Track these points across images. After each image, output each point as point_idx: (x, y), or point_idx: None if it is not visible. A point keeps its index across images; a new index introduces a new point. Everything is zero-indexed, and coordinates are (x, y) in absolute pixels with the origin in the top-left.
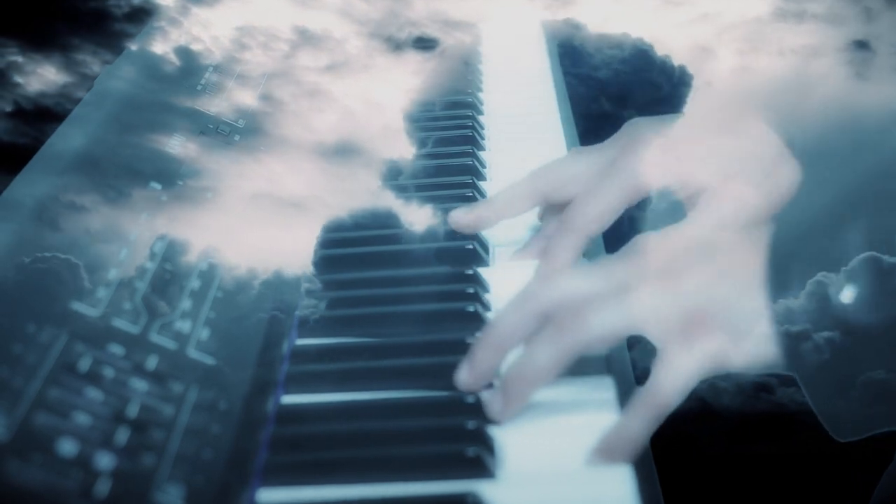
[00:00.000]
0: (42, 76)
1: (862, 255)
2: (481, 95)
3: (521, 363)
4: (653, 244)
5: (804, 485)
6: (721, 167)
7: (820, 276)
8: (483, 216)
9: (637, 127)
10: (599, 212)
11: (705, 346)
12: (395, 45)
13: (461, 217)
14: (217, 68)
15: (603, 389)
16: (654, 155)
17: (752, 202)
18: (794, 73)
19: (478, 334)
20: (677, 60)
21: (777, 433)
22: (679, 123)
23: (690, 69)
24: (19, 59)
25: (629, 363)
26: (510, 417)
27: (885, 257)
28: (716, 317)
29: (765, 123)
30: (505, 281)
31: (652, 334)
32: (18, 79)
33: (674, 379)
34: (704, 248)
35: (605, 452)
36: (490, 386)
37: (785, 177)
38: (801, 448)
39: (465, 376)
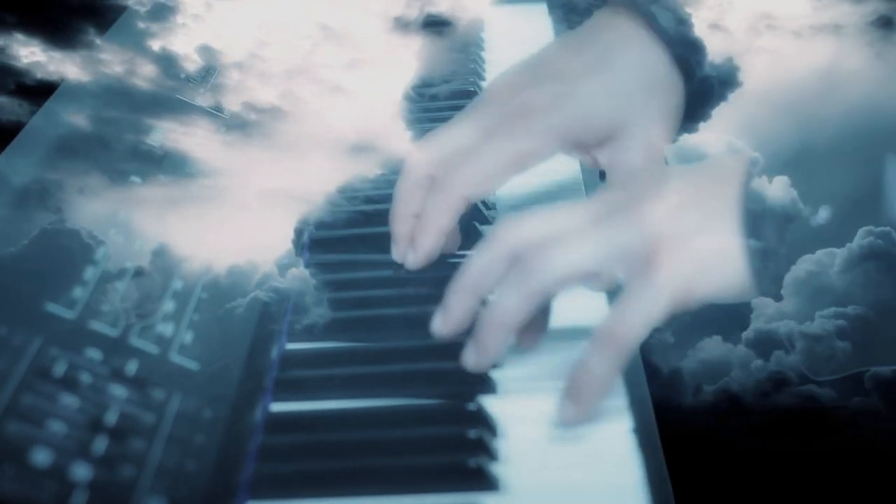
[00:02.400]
0: (59, 73)
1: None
2: (483, 84)
3: (490, 308)
4: (619, 181)
5: (831, 485)
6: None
7: (813, 265)
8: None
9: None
10: (476, 171)
11: (669, 276)
12: (402, 26)
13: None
14: (208, 57)
15: (613, 396)
16: (550, 118)
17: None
18: (818, 75)
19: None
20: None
21: (802, 430)
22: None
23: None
24: (42, 58)
25: (642, 368)
26: (486, 366)
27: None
28: (681, 245)
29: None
30: None
31: (617, 269)
32: (40, 76)
33: (636, 310)
34: (670, 180)
35: (573, 397)
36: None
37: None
38: (828, 446)
39: (439, 323)
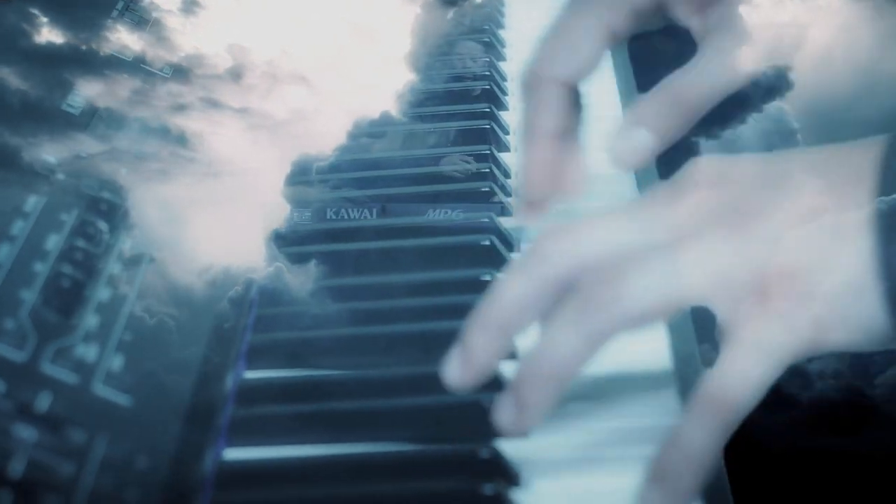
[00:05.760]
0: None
1: None
2: (502, 34)
3: (537, 354)
4: (710, 173)
5: (880, 480)
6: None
7: None
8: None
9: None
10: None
11: (791, 319)
12: None
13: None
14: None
15: (668, 412)
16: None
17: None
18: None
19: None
20: None
21: (849, 424)
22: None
23: None
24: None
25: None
26: (527, 429)
27: None
28: (804, 275)
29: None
30: None
31: (715, 304)
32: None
33: (747, 367)
34: (783, 177)
35: (662, 479)
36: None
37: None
38: (876, 441)
39: (455, 368)
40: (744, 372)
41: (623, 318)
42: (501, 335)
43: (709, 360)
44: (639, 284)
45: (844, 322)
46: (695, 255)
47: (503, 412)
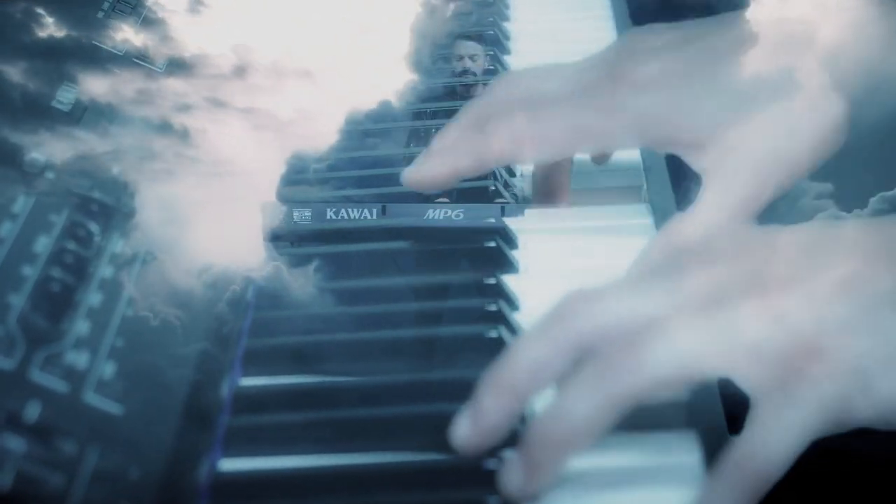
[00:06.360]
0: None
1: None
2: (507, 26)
3: (551, 417)
4: (739, 241)
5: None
6: (734, 108)
7: None
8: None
9: (634, 45)
10: (550, 130)
11: (822, 391)
12: None
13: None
14: None
15: (684, 452)
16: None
17: (781, 158)
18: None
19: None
20: None
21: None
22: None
23: None
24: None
25: (722, 414)
26: (535, 494)
27: None
28: (834, 350)
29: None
30: (542, 293)
31: (741, 377)
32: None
33: (775, 439)
34: (813, 249)
35: None
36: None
37: (825, 120)
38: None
39: (466, 431)
40: (773, 442)
41: (643, 386)
42: (515, 398)
43: (725, 388)
44: (661, 353)
45: (873, 399)
46: (720, 326)
47: (511, 474)
